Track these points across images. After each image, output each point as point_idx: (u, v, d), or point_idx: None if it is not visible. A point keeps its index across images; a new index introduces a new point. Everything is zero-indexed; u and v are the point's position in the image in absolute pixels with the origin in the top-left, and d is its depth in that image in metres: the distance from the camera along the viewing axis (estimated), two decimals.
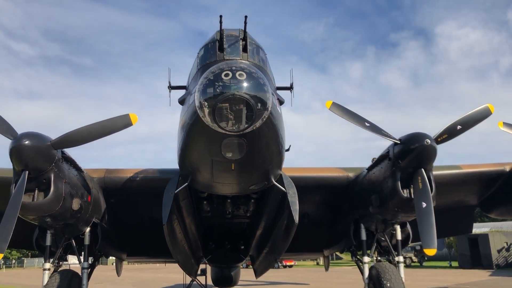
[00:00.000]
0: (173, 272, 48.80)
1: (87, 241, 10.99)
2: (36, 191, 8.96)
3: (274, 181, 8.58)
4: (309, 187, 11.04)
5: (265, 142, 7.13)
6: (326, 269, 23.31)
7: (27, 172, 8.57)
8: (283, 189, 8.77)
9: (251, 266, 32.14)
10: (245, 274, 25.03)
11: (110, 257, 33.61)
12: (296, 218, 8.55)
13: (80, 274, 10.93)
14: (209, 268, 21.51)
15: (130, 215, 13.09)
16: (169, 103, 7.82)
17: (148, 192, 11.79)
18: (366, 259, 11.42)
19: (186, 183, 8.64)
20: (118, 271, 21.97)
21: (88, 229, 10.94)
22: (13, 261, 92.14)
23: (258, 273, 16.63)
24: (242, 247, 16.30)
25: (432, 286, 19.94)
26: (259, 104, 6.58)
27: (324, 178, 12.02)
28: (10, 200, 8.47)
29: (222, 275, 19.12)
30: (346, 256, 67.82)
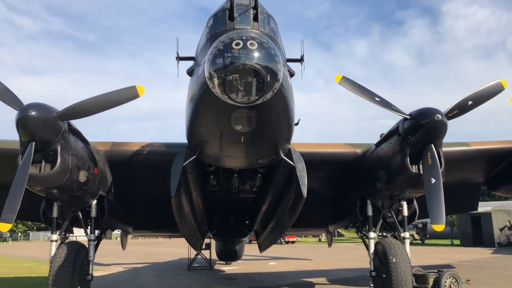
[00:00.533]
0: (177, 246, 49.48)
1: (93, 213, 11.02)
2: (43, 163, 8.92)
3: (282, 155, 8.49)
4: (315, 162, 10.97)
5: (275, 115, 7.01)
6: (329, 245, 23.41)
7: (33, 143, 8.51)
8: (292, 163, 8.69)
9: (254, 241, 32.62)
10: (249, 249, 25.24)
11: (114, 232, 33.99)
12: (305, 192, 8.50)
13: (87, 246, 11.01)
14: (213, 243, 21.74)
15: (136, 189, 13.09)
16: (177, 74, 7.67)
17: (154, 166, 11.75)
18: (372, 234, 11.43)
19: (194, 156, 8.57)
20: (123, 244, 22.14)
21: (94, 201, 10.94)
22: (19, 234, 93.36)
23: (262, 248, 16.72)
24: (247, 222, 16.36)
25: (435, 263, 20.03)
26: (270, 75, 6.44)
27: (331, 154, 11.94)
28: (17, 171, 8.44)
29: (226, 249, 19.26)
30: (348, 233, 68.38)
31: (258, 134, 7.17)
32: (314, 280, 16.31)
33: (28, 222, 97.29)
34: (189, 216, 11.80)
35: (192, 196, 11.24)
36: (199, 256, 22.37)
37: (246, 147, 7.49)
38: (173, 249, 44.69)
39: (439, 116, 8.90)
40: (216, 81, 6.46)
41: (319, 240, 56.70)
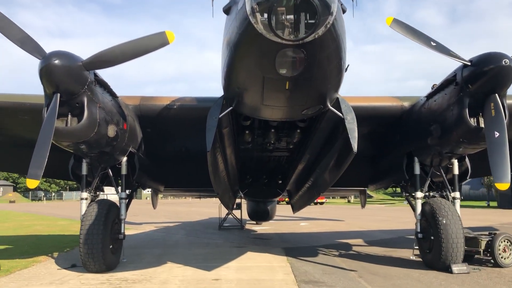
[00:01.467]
0: (206, 206, 49.91)
1: (124, 171, 10.56)
2: (69, 116, 8.39)
3: (329, 105, 7.66)
4: (357, 117, 10.17)
5: (326, 55, 6.10)
6: (363, 206, 22.79)
7: (58, 95, 7.94)
8: (340, 114, 7.86)
9: (282, 202, 32.18)
10: (278, 209, 24.82)
11: (145, 191, 34.16)
12: (355, 146, 7.66)
13: (118, 205, 10.61)
14: (244, 203, 21.37)
15: (167, 146, 12.57)
16: (211, 14, 6.82)
17: (185, 121, 11.13)
18: (419, 194, 10.63)
19: (231, 107, 7.81)
20: (154, 204, 22.01)
21: (124, 158, 10.46)
22: (53, 194, 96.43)
23: (295, 208, 16.21)
24: (280, 181, 15.79)
25: (475, 225, 19.18)
26: (323, 8, 5.53)
27: (375, 107, 11.00)
28: (43, 125, 7.92)
29: (258, 209, 18.83)
30: (377, 195, 67.58)
31: (305, 79, 6.31)
32: (350, 241, 15.73)
33: (61, 183, 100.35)
34: (222, 174, 11.21)
35: (226, 153, 10.60)
36: (230, 216, 22.11)
37: (291, 94, 6.66)
38: (202, 208, 45.06)
39: (507, 61, 7.82)
40: (259, 16, 5.61)
41: (348, 201, 56.23)
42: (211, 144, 7.59)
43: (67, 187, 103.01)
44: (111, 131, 9.07)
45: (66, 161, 11.37)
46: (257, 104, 7.07)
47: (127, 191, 10.86)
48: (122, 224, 10.54)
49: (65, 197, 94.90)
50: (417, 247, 11.04)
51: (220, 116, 7.89)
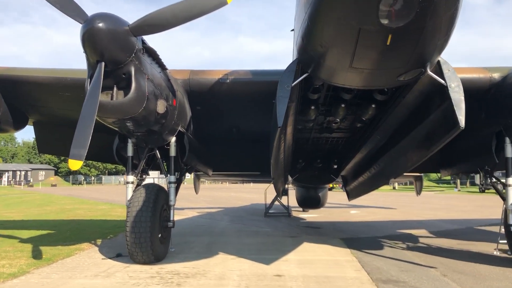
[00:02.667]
0: (246, 192, 49.13)
1: (173, 152, 9.55)
2: (115, 89, 7.39)
3: (429, 69, 6.26)
4: None
5: (443, 2, 4.73)
6: (419, 193, 21.25)
7: (103, 63, 6.93)
8: (442, 81, 6.46)
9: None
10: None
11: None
12: (462, 121, 6.22)
13: (167, 189, 9.63)
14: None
15: (217, 125, 11.49)
16: None
17: (238, 98, 10.00)
18: (510, 181, 9.11)
19: (307, 73, 6.52)
20: (196, 188, 21.27)
21: (173, 138, 9.45)
22: (92, 178, 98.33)
23: (352, 196, 14.92)
24: (335, 166, 14.49)
25: None
26: None
27: None
28: (86, 98, 6.95)
29: (308, 196, 17.58)
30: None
31: (413, 32, 4.94)
32: (413, 232, 14.34)
33: (100, 167, 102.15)
34: (281, 156, 10.03)
35: (286, 132, 9.40)
36: (275, 203, 21.05)
37: (391, 53, 5.29)
38: (242, 194, 44.30)
39: None
40: None
41: (394, 188, 54.20)
42: (283, 119, 6.30)
43: (106, 172, 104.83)
44: (161, 106, 8.03)
45: (110, 142, 10.51)
46: (343, 66, 5.70)
47: (176, 175, 9.85)
48: (171, 211, 9.57)
49: (104, 181, 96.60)
50: (505, 242, 9.61)
51: (293, 84, 6.60)
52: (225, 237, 13.06)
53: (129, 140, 9.55)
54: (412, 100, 7.60)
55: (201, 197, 31.41)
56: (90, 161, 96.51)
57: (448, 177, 69.40)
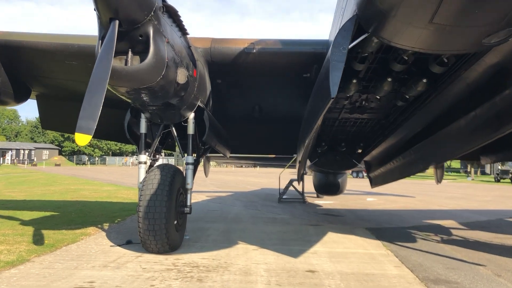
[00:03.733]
0: (253, 176, 48.30)
1: (191, 130, 8.54)
2: (130, 54, 6.35)
3: None
4: None
5: None
6: (439, 181, 20.25)
7: (117, 22, 5.89)
8: None
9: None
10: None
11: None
12: None
13: (184, 171, 8.65)
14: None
15: (238, 102, 10.48)
16: None
17: (264, 71, 8.96)
18: None
19: (368, 33, 5.42)
20: (206, 171, 20.31)
21: (192, 114, 8.44)
22: (96, 158, 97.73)
23: (377, 182, 13.93)
24: (360, 150, 13.46)
25: None
26: None
27: None
28: (96, 62, 5.93)
29: (327, 182, 16.56)
30: (429, 170, 63.75)
31: None
32: (441, 222, 13.37)
33: (104, 147, 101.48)
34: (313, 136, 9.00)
35: None
36: (291, 189, 20.13)
37: (484, 5, 4.19)
38: (250, 178, 43.47)
39: None
40: None
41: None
42: (337, 88, 5.21)
43: (110, 152, 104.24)
44: (181, 76, 7.00)
45: (119, 118, 9.53)
46: (421, 22, 4.50)
47: (194, 155, 8.86)
48: (188, 195, 8.60)
49: (108, 162, 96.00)
50: None
51: (351, 46, 5.49)
52: (241, 224, 12.12)
53: (142, 115, 8.55)
54: (480, 73, 6.49)
55: (207, 180, 30.51)
56: (94, 141, 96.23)
57: (458, 165, 68.32)
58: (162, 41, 6.43)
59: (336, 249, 8.81)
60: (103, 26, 6.11)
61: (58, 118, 12.41)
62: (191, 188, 8.66)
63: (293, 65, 8.58)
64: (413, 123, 9.18)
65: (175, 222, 8.06)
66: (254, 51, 8.57)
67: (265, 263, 7.48)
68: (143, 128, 8.57)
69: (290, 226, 11.89)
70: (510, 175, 40.35)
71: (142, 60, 6.31)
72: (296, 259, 7.79)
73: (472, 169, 49.32)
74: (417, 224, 12.86)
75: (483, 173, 60.71)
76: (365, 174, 44.85)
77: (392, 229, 11.85)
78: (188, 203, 8.54)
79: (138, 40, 6.24)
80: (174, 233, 8.02)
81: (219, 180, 36.81)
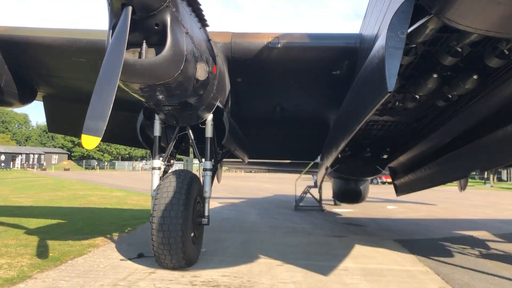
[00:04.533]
0: (264, 181, 47.42)
1: (209, 132, 7.77)
2: (144, 45, 5.59)
3: None
4: None
5: None
6: (463, 188, 19.29)
7: (130, 8, 5.15)
8: None
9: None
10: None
11: (196, 163, 32.10)
12: None
13: (202, 178, 7.87)
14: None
15: (259, 103, 9.72)
16: None
17: (291, 68, 8.17)
18: None
19: (431, 14, 4.51)
20: (219, 177, 19.49)
21: (210, 116, 7.67)
22: (105, 163, 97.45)
23: (403, 190, 13.00)
24: (385, 156, 12.56)
25: None
26: None
27: None
28: (107, 54, 5.19)
29: (348, 189, 15.64)
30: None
31: None
32: (474, 233, 12.45)
33: (114, 152, 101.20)
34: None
35: None
36: (308, 195, 19.28)
37: None
38: (261, 184, 42.62)
39: None
40: None
41: None
42: (395, 79, 4.32)
43: (119, 157, 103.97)
44: (201, 72, 6.23)
45: (129, 121, 8.83)
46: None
47: (212, 161, 8.07)
48: (206, 205, 7.82)
49: (118, 166, 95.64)
50: None
51: (410, 30, 4.64)
52: (259, 235, 11.29)
53: (156, 117, 7.80)
54: None
55: (219, 185, 29.75)
56: (104, 146, 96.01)
57: (473, 172, 66.92)
58: (180, 32, 5.68)
59: (369, 265, 7.96)
60: (114, 14, 5.37)
61: (66, 120, 11.72)
62: (209, 197, 7.88)
63: (321, 61, 7.81)
64: (453, 126, 8.31)
65: (192, 234, 7.27)
66: (279, 45, 7.78)
67: (293, 282, 6.66)
68: (157, 131, 7.82)
69: (312, 238, 11.04)
70: None
71: (158, 53, 5.57)
72: (327, 278, 6.97)
73: (492, 176, 47.98)
74: (448, 236, 11.95)
75: (500, 179, 59.28)
76: (380, 180, 44.14)
77: (423, 241, 10.95)
78: (206, 213, 7.76)
79: (153, 29, 5.49)
80: (191, 247, 7.23)
81: (230, 185, 35.98)
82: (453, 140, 8.85)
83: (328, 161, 8.93)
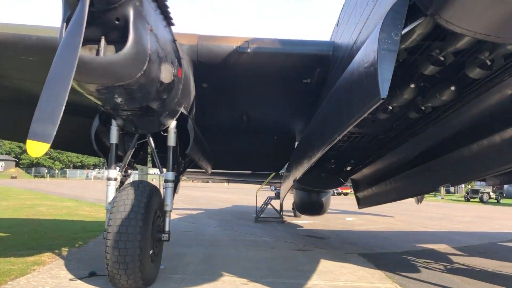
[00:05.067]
0: (222, 192, 46.77)
1: (172, 141, 7.22)
2: (103, 41, 5.03)
3: None
4: None
5: None
6: (420, 201, 19.60)
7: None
8: None
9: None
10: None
11: (151, 172, 30.83)
12: None
13: (162, 190, 7.30)
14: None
15: (224, 110, 9.26)
16: None
17: (261, 74, 7.78)
18: None
19: (424, 16, 4.12)
20: (177, 187, 18.84)
21: (173, 123, 7.13)
22: (56, 171, 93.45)
23: (366, 203, 12.84)
24: (349, 168, 12.36)
25: None
26: None
27: None
28: (59, 51, 4.63)
29: (310, 201, 15.38)
30: None
31: None
32: (435, 247, 12.45)
33: (65, 159, 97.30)
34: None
35: None
36: (269, 207, 18.90)
37: None
38: (219, 194, 42.00)
39: None
40: None
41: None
42: (389, 84, 3.89)
43: (71, 165, 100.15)
44: (166, 74, 5.72)
45: (83, 126, 8.14)
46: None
47: (174, 171, 7.50)
48: (167, 219, 7.23)
49: (69, 175, 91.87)
50: None
51: (405, 31, 4.28)
52: (221, 249, 10.76)
53: (114, 123, 7.15)
54: None
55: (177, 196, 28.96)
56: (55, 153, 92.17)
57: (443, 186, 68.97)
58: (144, 28, 5.15)
59: (338, 282, 7.60)
60: (69, 4, 4.80)
61: (13, 125, 10.76)
62: (171, 210, 7.31)
63: (293, 68, 7.48)
64: (423, 139, 8.15)
65: (151, 251, 6.67)
66: (249, 50, 7.37)
67: None
68: (114, 138, 7.17)
69: (276, 252, 10.63)
70: (480, 194, 40.65)
71: (118, 50, 5.01)
72: None
73: (442, 188, 49.48)
74: (410, 249, 11.87)
75: (448, 191, 61.35)
76: (336, 191, 44.42)
77: (387, 255, 10.78)
78: (167, 228, 7.17)
79: (114, 24, 4.95)
80: (150, 265, 6.63)
81: (187, 196, 35.10)
82: (421, 153, 8.72)
83: (298, 173, 8.59)
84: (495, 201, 40.91)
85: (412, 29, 4.34)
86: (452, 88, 6.11)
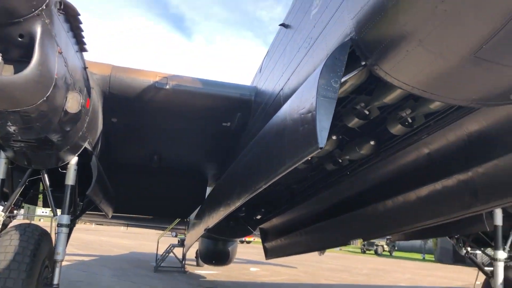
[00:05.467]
0: (117, 236, 43.75)
1: (70, 179, 6.36)
2: (0, 59, 4.28)
3: None
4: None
5: None
6: (322, 253, 19.95)
7: None
8: None
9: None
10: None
11: (39, 211, 28.22)
12: None
13: (54, 235, 6.32)
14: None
15: (133, 148, 8.56)
16: None
17: (178, 113, 7.32)
18: (500, 254, 7.58)
19: (364, 65, 3.95)
20: (71, 233, 17.17)
21: (74, 159, 6.32)
22: None
23: (275, 254, 12.64)
24: (259, 216, 12.12)
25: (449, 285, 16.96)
26: None
27: None
28: None
29: (215, 249, 14.70)
30: None
31: None
32: None
33: None
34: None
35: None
36: (171, 255, 17.81)
37: None
38: (114, 239, 39.31)
39: None
40: None
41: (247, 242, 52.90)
42: (327, 133, 3.65)
43: None
44: (73, 103, 5.02)
45: None
46: (462, 54, 3.15)
47: (71, 214, 6.56)
48: (57, 270, 6.20)
49: None
50: None
51: (343, 80, 4.06)
52: None
53: (2, 154, 6.15)
54: (453, 141, 5.55)
55: None
56: None
57: (355, 240, 71.19)
58: (52, 49, 4.48)
59: None
60: None
61: None
62: (62, 260, 6.31)
63: (213, 110, 7.14)
64: (338, 191, 8.12)
65: None
66: (167, 87, 6.89)
67: None
68: (0, 172, 6.14)
69: None
70: (375, 247, 42.66)
71: (18, 71, 4.27)
72: None
73: None
74: None
75: None
76: (239, 240, 43.86)
77: None
78: (56, 281, 6.12)
79: (15, 41, 4.22)
80: None
81: (78, 239, 32.19)
82: (335, 206, 8.69)
83: (212, 221, 8.06)
84: (388, 253, 43.23)
85: (345, 80, 4.22)
86: (372, 142, 6.13)
